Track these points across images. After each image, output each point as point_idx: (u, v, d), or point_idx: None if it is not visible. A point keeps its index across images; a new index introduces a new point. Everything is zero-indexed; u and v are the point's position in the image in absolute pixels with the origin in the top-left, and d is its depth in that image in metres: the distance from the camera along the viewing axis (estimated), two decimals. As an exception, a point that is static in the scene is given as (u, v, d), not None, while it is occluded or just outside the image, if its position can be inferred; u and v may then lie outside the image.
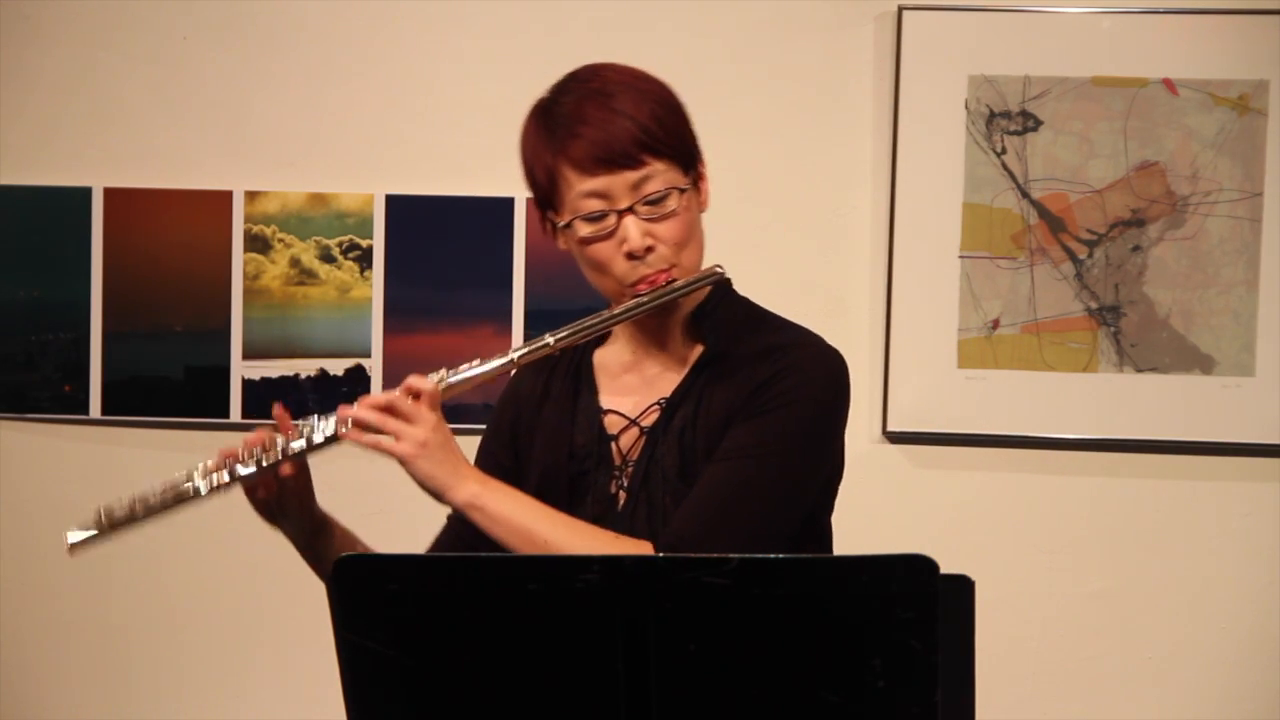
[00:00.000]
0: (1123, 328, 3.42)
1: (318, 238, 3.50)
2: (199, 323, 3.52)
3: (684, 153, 2.05)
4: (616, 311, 2.05)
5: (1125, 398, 3.41)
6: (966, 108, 3.40)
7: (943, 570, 1.60)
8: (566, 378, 2.14)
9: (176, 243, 3.51)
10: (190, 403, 3.52)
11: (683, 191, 2.04)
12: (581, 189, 2.02)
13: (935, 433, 3.43)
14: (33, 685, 3.60)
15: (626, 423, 2.10)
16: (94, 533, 2.05)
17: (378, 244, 3.49)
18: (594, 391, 2.13)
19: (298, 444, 2.02)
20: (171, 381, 3.52)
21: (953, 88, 3.39)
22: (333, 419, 2.02)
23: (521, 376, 2.18)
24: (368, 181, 3.49)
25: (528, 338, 3.40)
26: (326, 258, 3.50)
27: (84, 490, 3.56)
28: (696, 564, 1.62)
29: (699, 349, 2.11)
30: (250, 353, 3.50)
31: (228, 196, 3.50)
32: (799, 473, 2.04)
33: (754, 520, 1.99)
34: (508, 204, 3.46)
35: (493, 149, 3.47)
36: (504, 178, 3.45)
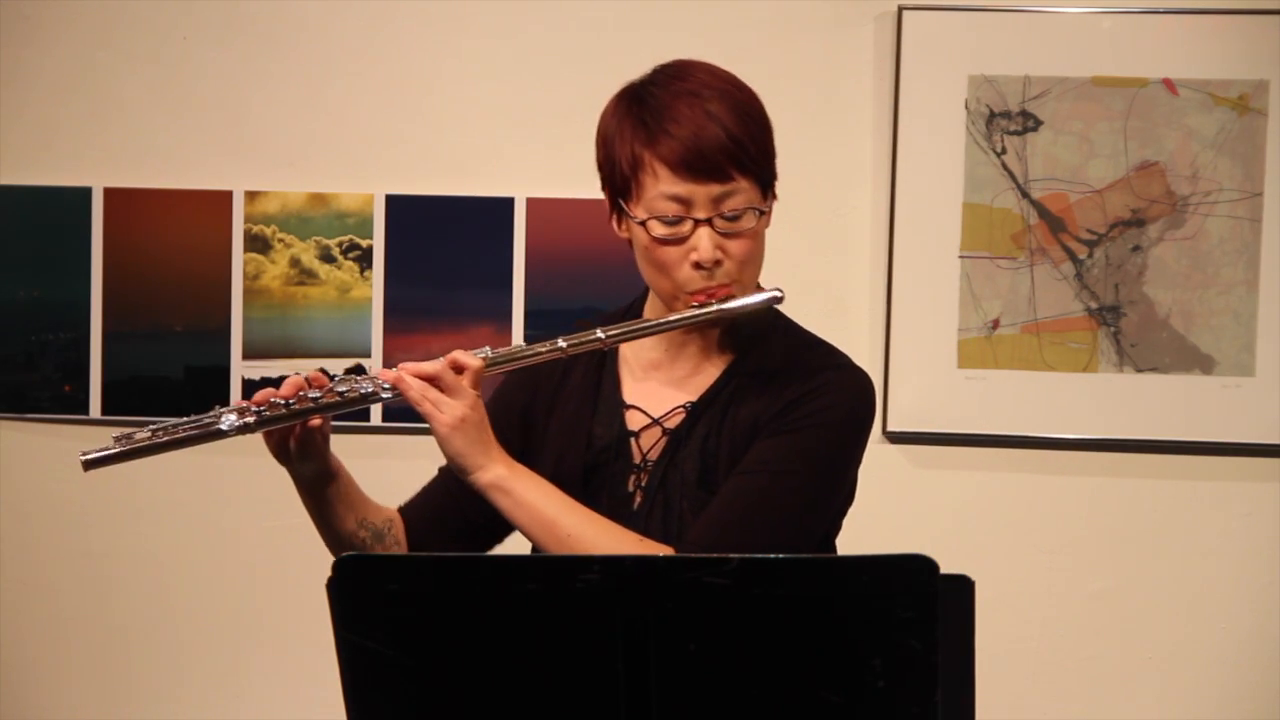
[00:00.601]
0: (1123, 328, 3.42)
1: (318, 238, 3.50)
2: (199, 323, 3.52)
3: (767, 174, 2.05)
4: (673, 318, 2.05)
5: (1125, 398, 3.41)
6: (966, 108, 3.40)
7: (943, 570, 1.60)
8: (589, 366, 2.13)
9: (176, 243, 3.51)
10: (190, 403, 3.49)
11: (760, 213, 2.04)
12: (664, 190, 2.01)
13: (935, 433, 3.43)
14: (33, 685, 3.60)
15: (649, 421, 2.10)
16: (110, 451, 1.99)
17: (378, 244, 3.49)
18: (617, 384, 2.13)
19: (331, 399, 2.01)
20: (171, 381, 3.52)
21: (953, 88, 3.39)
22: (368, 379, 2.02)
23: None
24: (368, 181, 3.49)
25: (528, 338, 3.41)
26: (326, 258, 3.50)
27: (84, 490, 3.56)
28: (696, 564, 1.62)
29: (729, 356, 2.11)
30: (250, 353, 3.50)
31: (228, 196, 3.50)
32: (821, 493, 2.06)
33: (773, 535, 1.99)
34: (508, 204, 3.46)
35: (493, 149, 3.48)
36: (504, 178, 3.48)
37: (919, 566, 1.59)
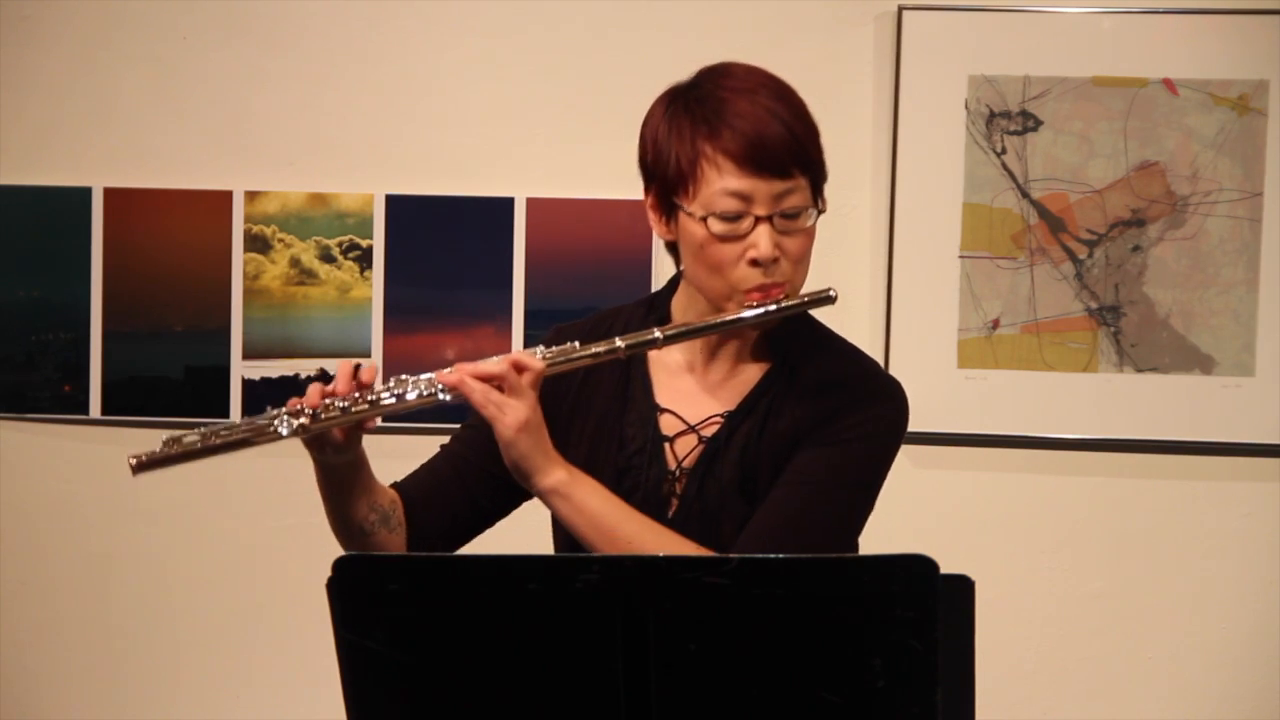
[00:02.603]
0: (1123, 328, 3.42)
1: (318, 238, 3.50)
2: (199, 323, 3.51)
3: (822, 174, 2.05)
4: (729, 318, 2.03)
5: (1125, 398, 3.41)
6: (966, 108, 3.40)
7: (943, 570, 1.60)
8: (615, 365, 2.11)
9: (176, 243, 3.51)
10: (190, 403, 3.52)
11: (819, 212, 2.04)
12: (726, 185, 1.99)
13: (935, 433, 3.43)
14: (33, 685, 3.60)
15: (684, 427, 2.09)
16: (160, 454, 1.96)
17: (378, 244, 3.49)
18: (648, 387, 2.12)
19: (388, 399, 1.99)
20: (171, 381, 3.52)
21: (953, 88, 3.39)
22: (425, 381, 1.99)
23: (557, 341, 2.14)
24: (368, 181, 3.49)
25: (528, 338, 3.41)
26: (326, 258, 3.50)
27: (84, 490, 3.56)
28: (696, 564, 1.62)
29: (765, 362, 2.10)
30: (250, 353, 3.50)
31: (228, 196, 3.50)
32: (862, 505, 2.07)
33: (818, 547, 1.99)
34: (508, 204, 3.46)
35: (493, 149, 3.48)
36: (504, 178, 3.48)
37: (919, 566, 1.59)
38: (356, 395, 1.99)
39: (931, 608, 1.58)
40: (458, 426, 2.19)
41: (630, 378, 2.12)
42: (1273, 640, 3.46)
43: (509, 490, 2.08)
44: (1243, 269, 3.40)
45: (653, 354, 2.12)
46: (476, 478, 2.11)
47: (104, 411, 3.52)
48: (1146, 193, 3.40)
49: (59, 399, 3.53)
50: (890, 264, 3.42)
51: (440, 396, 1.99)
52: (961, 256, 3.42)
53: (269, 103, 3.50)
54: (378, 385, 2.02)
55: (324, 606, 1.65)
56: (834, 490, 2.02)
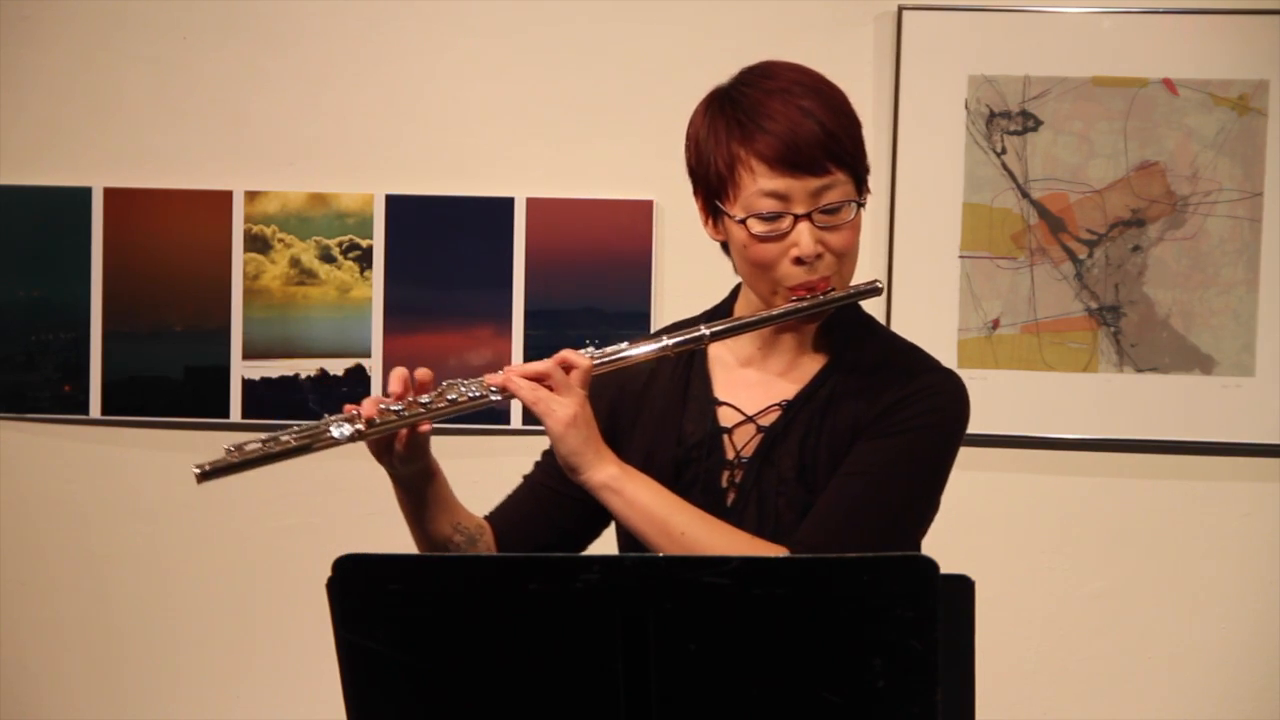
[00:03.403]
0: (1123, 328, 3.42)
1: (318, 238, 3.50)
2: (199, 323, 3.51)
3: (861, 167, 2.07)
4: (774, 313, 2.06)
5: (1125, 398, 3.41)
6: (966, 108, 3.40)
7: (943, 570, 1.60)
8: (678, 363, 2.14)
9: (176, 243, 3.51)
10: (190, 403, 3.52)
11: (859, 206, 2.06)
12: (762, 187, 2.01)
13: (935, 433, 3.42)
14: (33, 685, 3.60)
15: (742, 418, 2.10)
16: (224, 462, 1.96)
17: (378, 244, 3.49)
18: (708, 382, 2.13)
19: (441, 404, 2.00)
20: (171, 381, 3.52)
21: (953, 88, 3.40)
22: (475, 383, 2.01)
23: None
24: (368, 181, 3.49)
25: (528, 338, 3.41)
26: (326, 258, 3.50)
27: (84, 490, 3.56)
28: (697, 564, 1.62)
29: (824, 355, 2.12)
30: (250, 353, 3.50)
31: (228, 196, 3.50)
32: (921, 496, 2.07)
33: (878, 537, 1.99)
34: (508, 204, 3.46)
35: (493, 149, 3.48)
36: (504, 178, 3.48)
37: (919, 566, 1.59)
38: (411, 399, 1.99)
39: (931, 608, 1.58)
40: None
41: (690, 377, 2.14)
42: (1273, 640, 3.46)
43: (592, 512, 2.09)
44: (1243, 269, 3.40)
45: (712, 352, 2.15)
46: (557, 503, 2.13)
47: (104, 411, 3.52)
48: (1146, 193, 3.41)
49: (59, 399, 3.53)
50: (890, 264, 3.42)
51: (491, 397, 2.00)
52: (961, 256, 3.42)
53: (269, 103, 3.50)
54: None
55: (324, 606, 1.65)
56: (892, 481, 2.02)
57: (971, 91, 3.40)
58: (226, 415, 3.50)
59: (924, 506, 2.08)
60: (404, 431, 2.00)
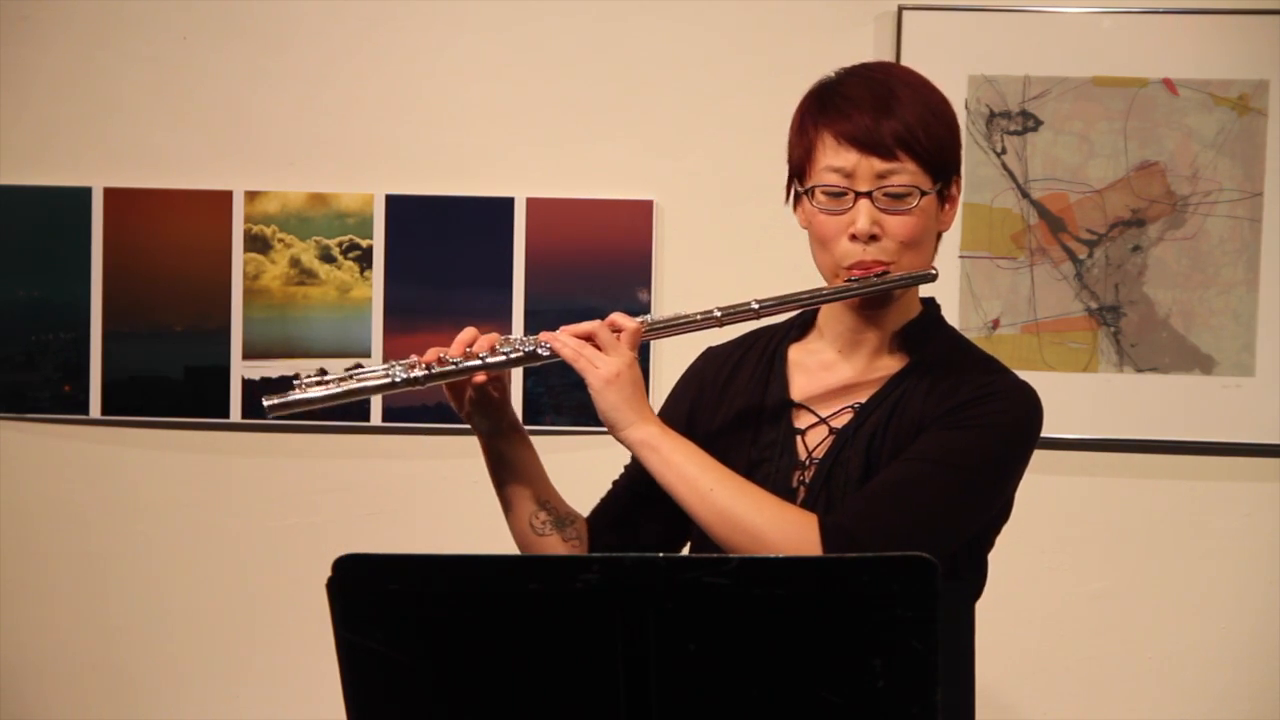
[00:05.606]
0: (1123, 328, 3.42)
1: (318, 238, 3.50)
2: (199, 323, 3.51)
3: (940, 163, 2.06)
4: (825, 291, 2.08)
5: (1125, 398, 3.41)
6: (966, 108, 3.40)
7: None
8: (759, 365, 2.16)
9: (176, 243, 3.51)
10: (190, 403, 3.52)
11: (924, 194, 2.05)
12: (829, 162, 2.04)
13: (935, 433, 3.42)
14: (33, 685, 3.60)
15: (816, 420, 2.11)
16: (291, 397, 2.05)
17: (378, 244, 3.49)
18: (785, 384, 2.14)
19: (495, 357, 2.06)
20: (171, 381, 3.52)
21: (953, 88, 3.39)
22: (531, 340, 2.06)
23: (707, 359, 2.22)
24: (368, 181, 3.49)
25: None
26: (326, 258, 3.50)
27: (84, 490, 3.56)
28: (697, 564, 1.62)
29: (901, 362, 2.12)
30: (250, 353, 3.50)
31: (228, 196, 3.50)
32: (974, 493, 2.05)
33: (920, 522, 1.98)
34: (508, 204, 3.46)
35: (493, 149, 3.48)
36: (504, 178, 3.48)
37: (919, 566, 1.59)
38: (469, 351, 2.06)
39: (931, 608, 1.58)
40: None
41: (769, 379, 2.15)
42: (1273, 640, 3.46)
43: (677, 511, 2.08)
44: (1243, 269, 3.40)
45: (792, 356, 2.17)
46: (660, 502, 2.10)
47: (104, 411, 3.52)
48: (1146, 193, 3.41)
49: (59, 399, 3.53)
50: (890, 264, 3.41)
51: (540, 352, 2.05)
52: (961, 256, 3.42)
53: (269, 103, 3.50)
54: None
55: (324, 606, 1.65)
56: (943, 470, 2.01)
57: (971, 91, 3.40)
58: (227, 415, 3.50)
59: (978, 503, 2.06)
60: (470, 390, 2.07)
